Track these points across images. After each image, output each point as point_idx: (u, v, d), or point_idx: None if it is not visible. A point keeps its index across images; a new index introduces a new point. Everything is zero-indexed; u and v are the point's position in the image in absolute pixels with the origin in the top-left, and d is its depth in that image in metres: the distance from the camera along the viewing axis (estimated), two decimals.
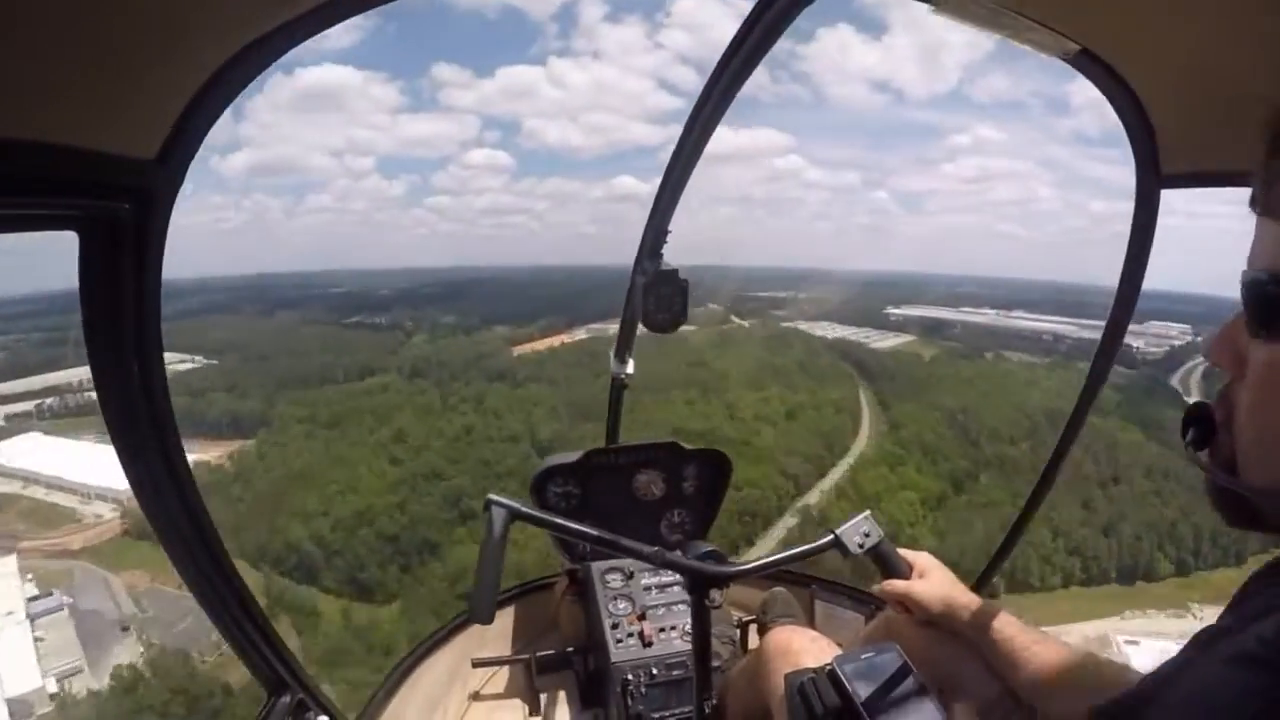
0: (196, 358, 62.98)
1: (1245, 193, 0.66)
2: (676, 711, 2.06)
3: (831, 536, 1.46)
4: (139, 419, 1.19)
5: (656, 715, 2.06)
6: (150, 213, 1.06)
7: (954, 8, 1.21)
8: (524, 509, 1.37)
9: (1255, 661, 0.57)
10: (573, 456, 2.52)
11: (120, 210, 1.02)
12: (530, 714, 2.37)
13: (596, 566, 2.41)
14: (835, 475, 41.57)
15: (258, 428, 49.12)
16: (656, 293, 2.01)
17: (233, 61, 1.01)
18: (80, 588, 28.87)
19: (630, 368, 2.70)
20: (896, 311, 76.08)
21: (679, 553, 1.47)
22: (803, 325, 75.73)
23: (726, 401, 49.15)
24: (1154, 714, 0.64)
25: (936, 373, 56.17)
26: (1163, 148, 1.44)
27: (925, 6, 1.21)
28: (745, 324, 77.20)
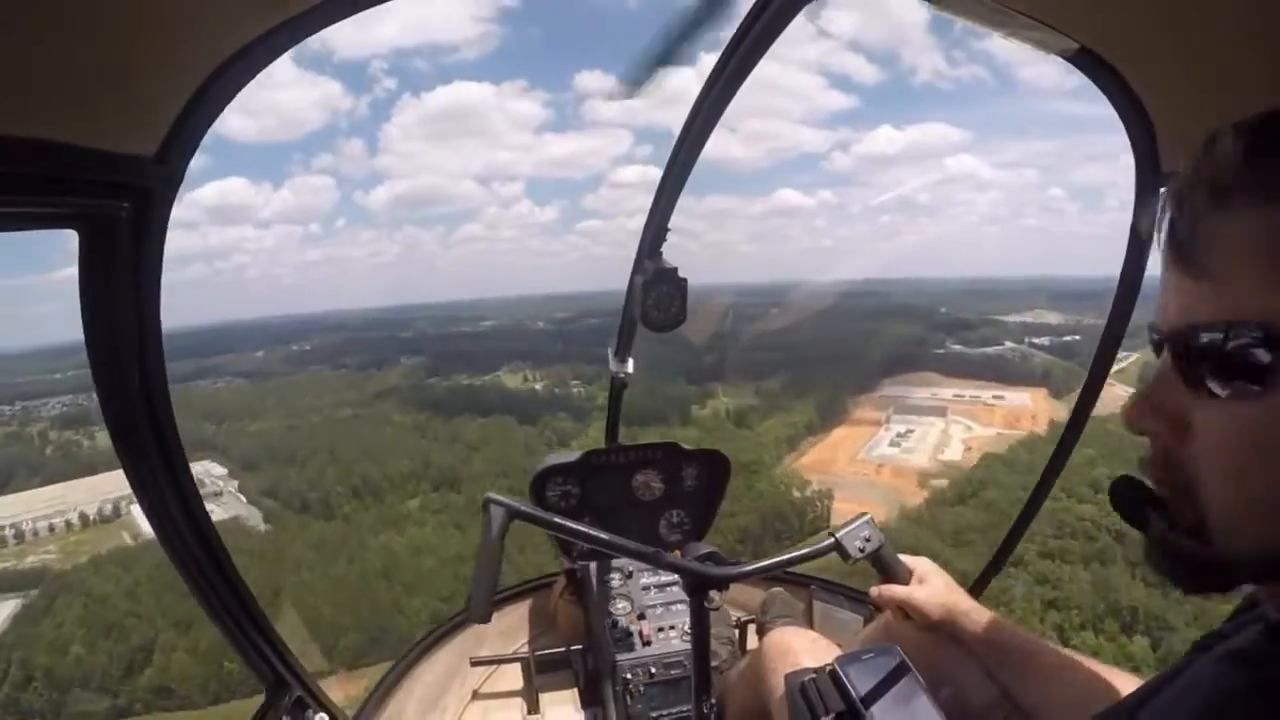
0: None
1: None
2: (675, 711, 2.06)
3: (832, 540, 1.44)
4: (140, 418, 1.19)
5: (655, 714, 2.06)
6: (149, 211, 1.07)
7: (954, 4, 1.21)
8: (523, 508, 1.37)
9: (1246, 658, 0.59)
10: (572, 456, 2.52)
11: (119, 209, 1.03)
12: (529, 713, 2.36)
13: (595, 566, 2.41)
14: None
15: None
16: (656, 291, 2.01)
17: (232, 60, 1.01)
18: None
19: (630, 367, 2.69)
20: None
21: (678, 554, 1.47)
22: None
23: None
24: (1148, 715, 0.66)
25: None
26: (1163, 146, 1.43)
27: None
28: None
